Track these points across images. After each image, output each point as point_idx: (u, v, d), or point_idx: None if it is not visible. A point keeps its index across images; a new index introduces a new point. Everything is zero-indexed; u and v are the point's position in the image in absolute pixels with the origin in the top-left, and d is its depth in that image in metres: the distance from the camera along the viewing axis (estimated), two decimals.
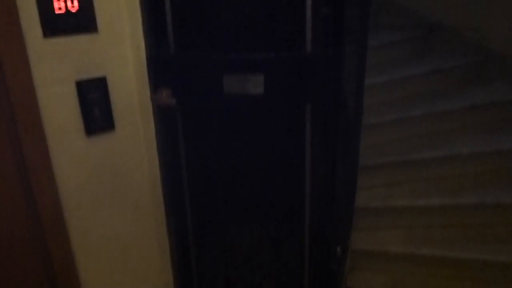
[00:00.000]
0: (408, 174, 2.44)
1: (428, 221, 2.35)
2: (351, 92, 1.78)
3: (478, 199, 2.26)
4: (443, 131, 2.56)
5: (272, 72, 1.59)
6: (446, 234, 2.29)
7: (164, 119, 1.68)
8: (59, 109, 1.47)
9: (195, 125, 1.72)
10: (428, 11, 2.96)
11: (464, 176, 2.40)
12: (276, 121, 1.72)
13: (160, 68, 1.61)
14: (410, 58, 2.92)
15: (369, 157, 2.45)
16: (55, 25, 1.39)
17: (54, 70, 1.42)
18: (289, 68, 1.62)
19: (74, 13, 1.42)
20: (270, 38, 1.58)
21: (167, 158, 1.74)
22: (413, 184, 2.43)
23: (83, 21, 1.44)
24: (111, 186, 1.66)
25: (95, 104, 1.52)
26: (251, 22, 1.57)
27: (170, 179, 1.78)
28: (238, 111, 1.67)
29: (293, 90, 1.67)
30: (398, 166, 2.44)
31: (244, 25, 1.57)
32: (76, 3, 1.41)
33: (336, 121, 1.71)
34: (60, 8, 1.39)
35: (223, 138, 1.73)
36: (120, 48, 1.55)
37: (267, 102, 1.64)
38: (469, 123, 2.55)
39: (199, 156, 1.78)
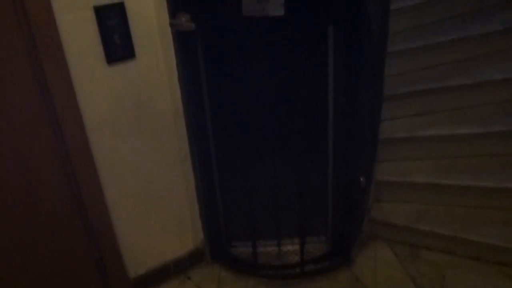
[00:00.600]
0: (436, 103, 2.37)
1: (454, 151, 2.30)
2: (376, 16, 1.70)
3: (508, 126, 2.19)
4: (473, 57, 2.45)
5: None
6: (474, 163, 2.25)
7: (184, 45, 1.66)
8: (79, 36, 1.46)
9: (215, 51, 1.70)
10: None
11: (494, 104, 2.32)
12: (297, 45, 1.67)
13: None
14: None
15: (394, 86, 2.38)
16: None
17: None
18: None
19: None
20: None
21: (188, 86, 1.73)
22: (440, 114, 2.36)
23: None
24: (134, 115, 1.68)
25: (114, 31, 1.50)
26: None
27: (193, 107, 1.79)
28: (258, 35, 1.63)
29: (314, 11, 1.61)
30: (425, 95, 2.37)
31: None
32: None
33: (360, 45, 1.66)
34: None
35: (244, 64, 1.71)
36: None
37: (288, 24, 1.59)
38: (502, 48, 2.43)
39: (220, 83, 1.76)
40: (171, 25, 1.58)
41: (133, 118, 1.68)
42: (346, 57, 1.68)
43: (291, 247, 2.20)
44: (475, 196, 2.20)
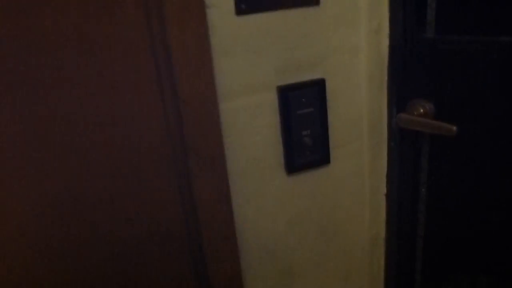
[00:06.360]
0: None
1: None
2: None
3: None
4: None
5: None
6: None
7: (407, 147, 1.02)
8: (248, 133, 0.92)
9: (453, 157, 1.01)
10: None
11: None
12: None
13: (415, 66, 0.94)
14: None
15: None
16: None
17: (246, 69, 0.87)
18: None
19: None
20: None
21: (399, 202, 1.09)
22: None
23: None
24: (316, 248, 1.08)
25: (305, 125, 0.93)
26: None
27: (399, 239, 1.13)
28: None
29: None
30: None
31: None
32: None
33: None
34: None
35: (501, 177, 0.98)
36: (349, 32, 0.93)
37: None
38: None
39: (451, 208, 1.07)
40: (397, 121, 0.96)
41: (314, 252, 1.08)
42: None
43: None
44: None
